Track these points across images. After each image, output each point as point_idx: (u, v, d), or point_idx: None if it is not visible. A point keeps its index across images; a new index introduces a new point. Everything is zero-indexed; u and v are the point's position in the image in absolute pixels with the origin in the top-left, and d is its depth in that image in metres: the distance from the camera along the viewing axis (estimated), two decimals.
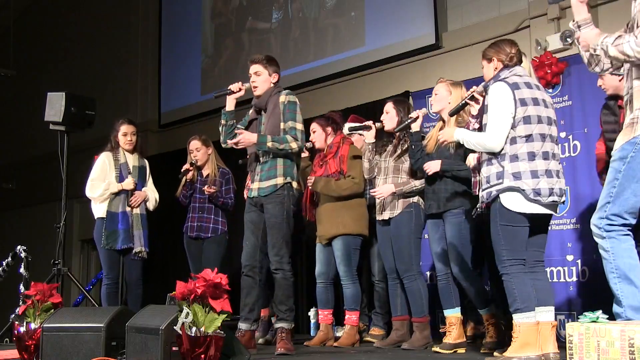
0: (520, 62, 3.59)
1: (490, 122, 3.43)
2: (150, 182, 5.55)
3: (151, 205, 5.46)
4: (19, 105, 12.23)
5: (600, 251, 2.97)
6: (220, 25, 9.34)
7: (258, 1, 8.79)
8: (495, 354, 3.76)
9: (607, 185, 2.97)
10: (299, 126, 4.27)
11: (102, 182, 5.31)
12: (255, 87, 4.34)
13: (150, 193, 5.46)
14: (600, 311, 2.58)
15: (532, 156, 3.37)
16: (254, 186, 4.29)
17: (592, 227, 2.99)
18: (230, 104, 4.37)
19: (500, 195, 3.38)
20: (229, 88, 4.36)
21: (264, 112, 4.35)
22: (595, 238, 2.99)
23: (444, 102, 4.36)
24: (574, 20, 3.06)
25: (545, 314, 3.42)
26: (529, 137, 3.39)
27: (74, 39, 11.59)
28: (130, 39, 10.51)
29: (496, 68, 3.58)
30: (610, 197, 2.93)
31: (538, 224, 3.49)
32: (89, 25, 11.28)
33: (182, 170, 5.44)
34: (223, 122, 4.36)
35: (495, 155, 3.43)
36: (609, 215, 2.92)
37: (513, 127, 3.40)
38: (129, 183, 5.29)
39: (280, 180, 4.22)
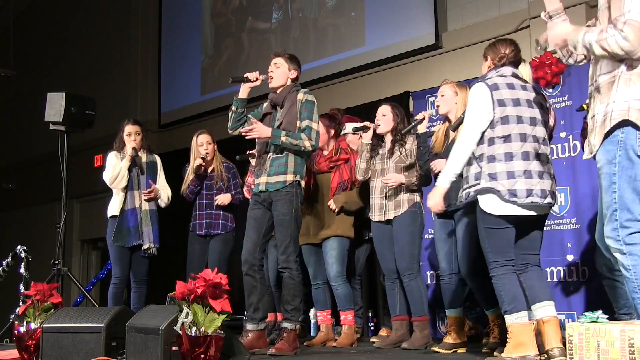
0: (513, 62, 3.56)
1: (465, 122, 3.47)
2: (162, 178, 5.50)
3: (163, 202, 5.41)
4: (19, 105, 12.24)
5: (621, 268, 2.75)
6: (220, 25, 9.34)
7: (258, 1, 8.80)
8: (495, 354, 3.76)
9: (607, 192, 2.74)
10: (315, 126, 4.21)
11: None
12: (271, 77, 4.28)
13: (162, 190, 5.42)
14: (600, 311, 2.57)
15: (509, 157, 3.34)
16: (261, 180, 4.23)
17: (608, 241, 2.74)
18: (244, 91, 4.31)
19: (478, 197, 3.37)
20: (246, 75, 4.29)
21: (280, 107, 4.29)
22: (613, 253, 2.75)
23: (450, 103, 4.35)
24: (545, 11, 2.92)
25: (544, 310, 3.39)
26: (507, 138, 3.36)
27: (74, 39, 11.60)
28: (130, 39, 10.52)
29: (489, 67, 3.59)
30: (615, 203, 2.70)
31: (527, 226, 3.44)
32: (89, 25, 11.29)
33: (195, 166, 5.31)
34: (234, 108, 4.29)
35: (475, 156, 3.42)
36: (624, 223, 2.69)
37: (492, 127, 3.38)
38: (130, 150, 5.23)
39: (290, 177, 4.17)
